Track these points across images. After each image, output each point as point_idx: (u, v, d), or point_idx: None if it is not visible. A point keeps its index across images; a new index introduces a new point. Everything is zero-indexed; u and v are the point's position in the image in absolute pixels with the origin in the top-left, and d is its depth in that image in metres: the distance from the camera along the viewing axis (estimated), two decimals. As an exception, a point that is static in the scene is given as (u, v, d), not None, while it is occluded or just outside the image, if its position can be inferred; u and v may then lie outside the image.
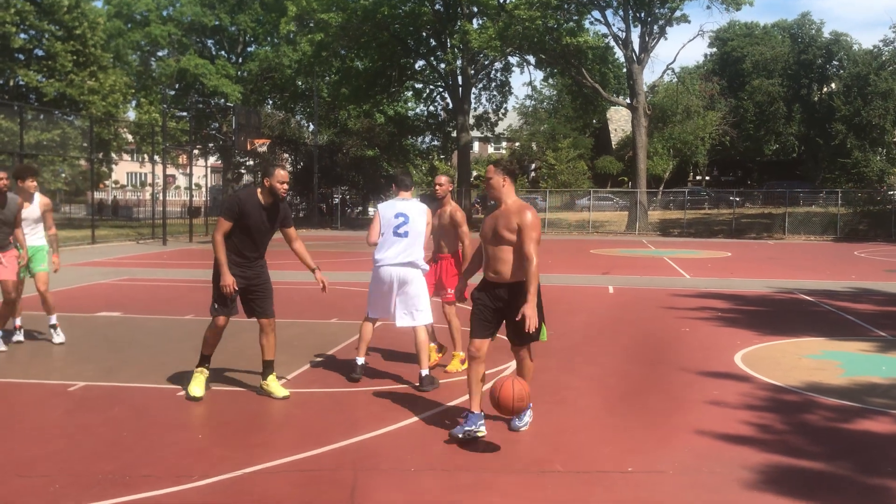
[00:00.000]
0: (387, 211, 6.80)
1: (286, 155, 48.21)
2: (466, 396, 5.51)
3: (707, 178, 65.92)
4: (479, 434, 5.19)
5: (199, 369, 6.36)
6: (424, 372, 6.66)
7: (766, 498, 4.37)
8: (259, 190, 6.15)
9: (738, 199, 43.44)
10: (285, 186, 6.15)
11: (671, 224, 38.22)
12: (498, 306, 5.32)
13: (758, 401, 6.40)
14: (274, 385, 6.36)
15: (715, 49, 61.32)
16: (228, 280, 6.04)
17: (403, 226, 6.71)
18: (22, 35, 33.02)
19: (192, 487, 4.41)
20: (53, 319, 8.44)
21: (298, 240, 6.44)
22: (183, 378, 6.83)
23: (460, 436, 5.19)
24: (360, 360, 6.90)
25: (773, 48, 56.07)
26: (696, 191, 51.76)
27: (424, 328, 6.80)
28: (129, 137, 40.79)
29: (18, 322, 8.45)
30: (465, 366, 5.91)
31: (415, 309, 6.72)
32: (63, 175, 35.61)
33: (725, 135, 51.57)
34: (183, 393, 6.36)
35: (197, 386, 6.26)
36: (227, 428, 5.52)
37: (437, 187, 7.29)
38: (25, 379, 6.87)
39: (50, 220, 8.49)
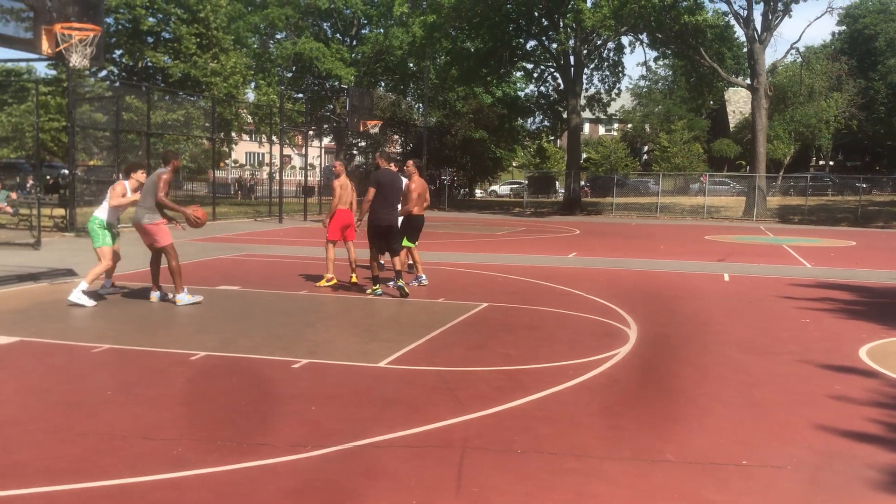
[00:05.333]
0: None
1: (396, 136, 48.84)
2: (575, 381, 5.47)
3: (831, 162, 62.81)
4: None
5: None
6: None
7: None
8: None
9: (864, 185, 41.15)
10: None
11: (791, 210, 36.62)
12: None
13: (885, 398, 6.06)
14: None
15: (844, 27, 58.10)
16: None
17: None
18: (151, 18, 34.63)
19: (305, 458, 4.55)
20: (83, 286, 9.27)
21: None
22: (296, 350, 7.06)
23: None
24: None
25: (909, 25, 52.65)
26: (818, 176, 49.43)
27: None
28: (249, 118, 42.19)
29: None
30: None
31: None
32: (186, 153, 37.18)
33: (852, 118, 48.88)
34: (298, 365, 6.57)
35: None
36: (339, 401, 5.66)
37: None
38: (152, 347, 7.23)
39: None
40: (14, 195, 23.71)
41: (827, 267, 15.65)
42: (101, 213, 9.51)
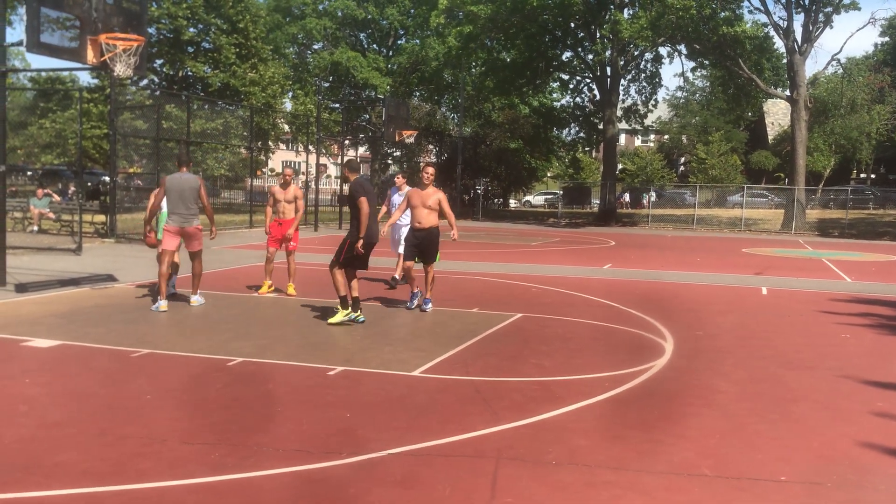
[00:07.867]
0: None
1: (431, 146, 49.00)
2: (611, 393, 5.49)
3: (872, 175, 61.77)
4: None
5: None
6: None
7: (937, 521, 4.05)
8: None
9: (907, 199, 40.42)
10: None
11: (831, 224, 36.05)
12: (418, 243, 9.97)
13: (928, 416, 5.94)
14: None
15: (888, 38, 57.15)
16: None
17: None
18: (192, 29, 35.20)
19: (340, 464, 4.58)
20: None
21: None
22: (332, 358, 7.11)
23: (412, 307, 10.03)
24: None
25: (954, 36, 51.61)
26: (859, 189, 48.62)
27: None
28: (286, 127, 42.60)
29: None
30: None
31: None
32: (224, 162, 37.64)
33: (895, 131, 48.01)
34: (333, 372, 6.62)
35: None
36: (374, 409, 5.69)
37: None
38: (190, 353, 7.33)
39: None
40: (56, 197, 24.20)
41: (868, 282, 15.38)
42: None
